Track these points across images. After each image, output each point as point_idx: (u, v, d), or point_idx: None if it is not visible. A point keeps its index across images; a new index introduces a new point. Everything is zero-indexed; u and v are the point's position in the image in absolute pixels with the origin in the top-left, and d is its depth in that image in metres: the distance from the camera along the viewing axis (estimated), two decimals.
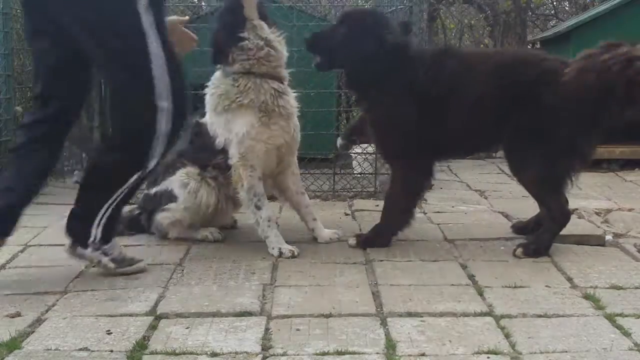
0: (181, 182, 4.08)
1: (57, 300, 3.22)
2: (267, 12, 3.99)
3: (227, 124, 3.91)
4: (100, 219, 3.45)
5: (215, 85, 3.98)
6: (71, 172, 6.33)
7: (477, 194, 5.66)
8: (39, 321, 2.98)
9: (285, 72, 3.98)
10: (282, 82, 3.95)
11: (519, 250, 3.84)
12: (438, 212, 4.96)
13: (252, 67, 3.87)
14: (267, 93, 3.86)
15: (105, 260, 3.51)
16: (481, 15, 8.90)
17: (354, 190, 5.52)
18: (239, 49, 3.86)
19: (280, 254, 3.83)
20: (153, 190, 4.21)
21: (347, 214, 4.90)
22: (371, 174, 5.58)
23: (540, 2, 9.03)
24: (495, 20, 8.57)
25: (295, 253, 3.84)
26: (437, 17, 8.34)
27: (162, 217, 4.14)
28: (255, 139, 3.86)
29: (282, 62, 3.94)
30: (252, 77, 3.87)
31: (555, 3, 9.44)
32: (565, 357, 2.61)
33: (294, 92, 4.05)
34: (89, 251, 3.50)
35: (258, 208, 3.92)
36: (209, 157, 4.04)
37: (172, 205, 4.10)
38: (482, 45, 9.04)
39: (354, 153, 5.84)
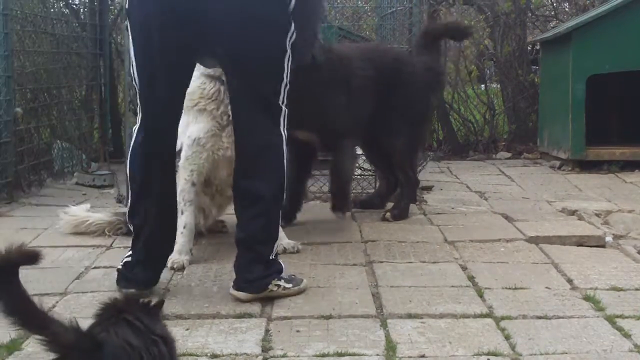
0: None
1: (57, 302, 3.22)
2: None
3: (186, 126, 3.77)
4: None
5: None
6: (71, 173, 6.33)
7: (477, 196, 5.65)
8: None
9: None
10: None
11: (388, 215, 4.69)
12: (438, 213, 4.95)
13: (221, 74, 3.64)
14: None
15: None
16: (481, 17, 8.87)
17: (354, 191, 5.50)
18: None
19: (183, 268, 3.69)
20: None
21: None
22: (371, 175, 5.57)
23: (540, 3, 8.99)
24: (495, 21, 8.55)
25: None
26: (437, 18, 8.33)
27: None
28: (204, 147, 3.79)
29: None
30: (219, 82, 3.75)
31: (555, 4, 9.41)
32: (566, 358, 2.61)
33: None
34: None
35: (181, 212, 3.73)
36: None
37: None
38: (481, 47, 9.01)
39: None
